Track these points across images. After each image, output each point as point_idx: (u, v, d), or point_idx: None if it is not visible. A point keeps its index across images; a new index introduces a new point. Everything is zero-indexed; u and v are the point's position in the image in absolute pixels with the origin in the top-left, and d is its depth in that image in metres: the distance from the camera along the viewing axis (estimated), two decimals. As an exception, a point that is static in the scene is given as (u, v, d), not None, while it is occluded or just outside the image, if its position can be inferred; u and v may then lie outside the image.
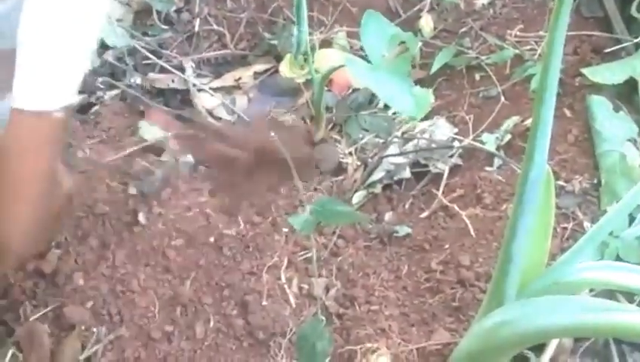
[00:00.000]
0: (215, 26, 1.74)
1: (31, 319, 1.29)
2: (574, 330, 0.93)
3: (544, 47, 1.57)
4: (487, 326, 1.04)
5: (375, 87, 1.21)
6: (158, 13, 1.76)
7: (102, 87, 1.61)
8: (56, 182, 0.97)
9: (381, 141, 1.58)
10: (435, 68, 1.61)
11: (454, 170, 1.51)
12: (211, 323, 1.28)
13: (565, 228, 1.30)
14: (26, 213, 0.92)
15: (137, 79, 1.65)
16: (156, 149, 1.51)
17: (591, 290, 1.20)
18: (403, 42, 1.32)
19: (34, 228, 0.94)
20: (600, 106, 1.38)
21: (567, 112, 1.48)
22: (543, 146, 0.90)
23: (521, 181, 0.93)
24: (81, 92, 0.90)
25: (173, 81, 1.65)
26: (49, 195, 0.95)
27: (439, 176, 1.51)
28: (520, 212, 0.95)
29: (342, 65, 1.56)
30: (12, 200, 0.90)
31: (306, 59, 1.60)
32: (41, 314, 1.29)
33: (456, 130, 1.56)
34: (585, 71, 1.44)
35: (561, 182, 1.36)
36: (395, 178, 1.53)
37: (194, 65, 1.67)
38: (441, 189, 1.47)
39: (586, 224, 1.28)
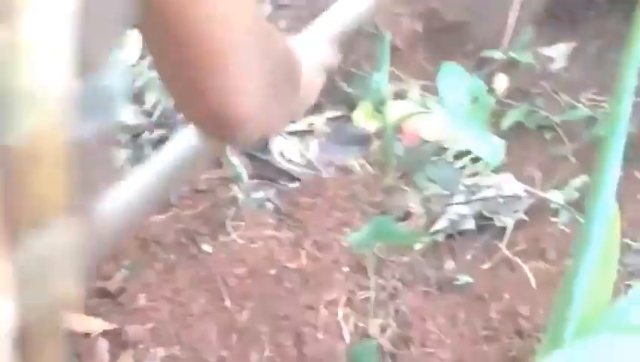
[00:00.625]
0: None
1: (93, 335, 1.32)
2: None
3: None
4: (542, 369, 1.03)
5: (453, 132, 1.23)
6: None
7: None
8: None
9: (447, 193, 1.59)
10: (506, 124, 1.63)
11: (519, 225, 1.51)
12: (265, 352, 1.29)
13: (629, 286, 1.28)
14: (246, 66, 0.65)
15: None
16: (231, 182, 1.55)
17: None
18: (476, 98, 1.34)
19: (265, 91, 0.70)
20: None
21: (638, 174, 1.47)
22: (609, 180, 0.90)
23: (587, 217, 0.93)
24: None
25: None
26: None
27: (503, 230, 1.50)
28: (584, 247, 0.94)
29: (413, 114, 1.59)
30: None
31: (379, 109, 1.64)
32: (103, 330, 1.33)
33: (524, 186, 1.56)
34: (658, 132, 1.43)
35: (627, 241, 1.35)
36: (459, 229, 1.53)
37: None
38: (505, 241, 1.47)
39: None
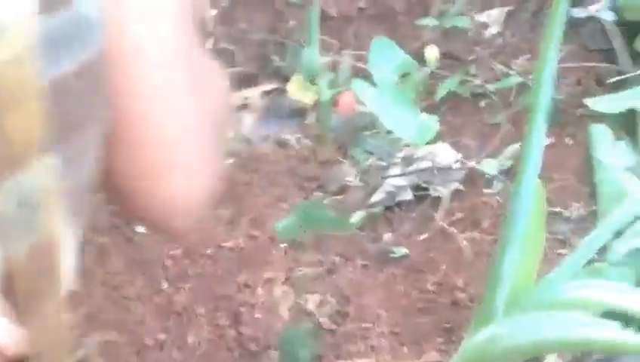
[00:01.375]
0: (226, 45, 1.76)
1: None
2: (558, 346, 0.93)
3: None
4: (475, 343, 1.04)
5: (380, 113, 1.22)
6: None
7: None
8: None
9: (384, 164, 1.59)
10: (439, 95, 1.63)
11: (455, 194, 1.52)
12: (204, 333, 1.29)
13: (560, 254, 1.31)
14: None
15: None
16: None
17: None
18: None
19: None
20: (601, 135, 1.38)
21: (568, 141, 1.49)
22: (534, 161, 0.91)
23: (512, 196, 0.94)
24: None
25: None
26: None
27: (440, 199, 1.52)
28: (510, 228, 0.95)
29: (348, 88, 1.58)
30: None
31: (313, 81, 1.63)
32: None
33: (459, 155, 1.57)
34: (587, 101, 1.45)
35: (558, 209, 1.37)
36: (396, 200, 1.54)
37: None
38: (440, 212, 1.48)
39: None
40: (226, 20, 1.81)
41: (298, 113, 1.69)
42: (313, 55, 1.52)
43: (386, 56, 1.26)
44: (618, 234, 1.06)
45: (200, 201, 0.56)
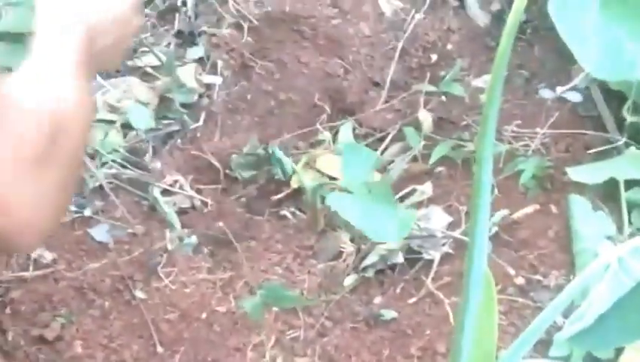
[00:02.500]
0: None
1: (31, 383, 1.38)
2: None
3: (536, 142, 1.63)
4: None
5: (357, 223, 1.23)
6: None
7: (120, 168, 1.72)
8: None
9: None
10: (432, 160, 1.68)
11: (445, 258, 1.57)
12: (195, 397, 1.35)
13: (538, 322, 1.34)
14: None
15: (157, 164, 1.74)
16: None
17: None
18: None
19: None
20: (579, 205, 1.43)
21: (553, 208, 1.53)
22: (481, 245, 0.96)
23: (465, 277, 0.99)
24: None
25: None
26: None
27: (431, 263, 1.57)
28: (465, 307, 1.00)
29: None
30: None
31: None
32: (41, 378, 1.38)
33: (450, 219, 1.62)
34: (568, 170, 1.50)
35: (538, 277, 1.41)
36: (389, 263, 1.59)
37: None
38: (430, 276, 1.53)
39: (559, 319, 1.32)
40: (232, 92, 1.89)
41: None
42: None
43: (358, 161, 1.31)
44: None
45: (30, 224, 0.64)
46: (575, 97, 1.42)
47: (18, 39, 1.32)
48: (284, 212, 1.65)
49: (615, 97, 1.64)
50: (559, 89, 1.40)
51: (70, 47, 0.75)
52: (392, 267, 1.59)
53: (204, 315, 1.45)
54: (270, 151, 1.67)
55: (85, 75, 0.75)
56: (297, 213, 1.62)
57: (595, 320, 0.86)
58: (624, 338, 0.92)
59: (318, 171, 1.70)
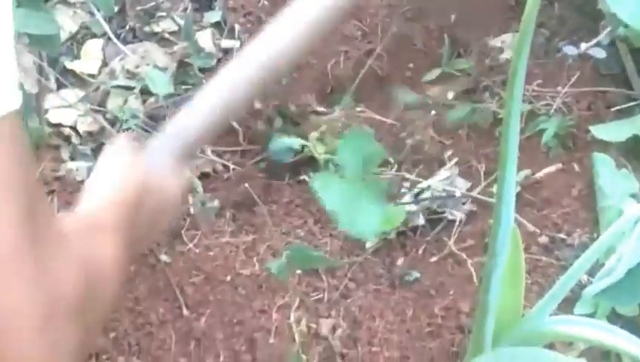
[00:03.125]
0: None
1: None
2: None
3: (558, 101, 1.62)
4: (467, 372, 1.10)
5: (335, 207, 1.20)
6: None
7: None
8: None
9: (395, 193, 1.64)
10: (455, 116, 1.67)
11: (469, 217, 1.57)
12: (221, 358, 1.37)
13: (563, 280, 1.34)
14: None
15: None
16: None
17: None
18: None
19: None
20: (603, 163, 1.42)
21: (576, 167, 1.52)
22: (509, 202, 0.96)
23: (491, 235, 0.99)
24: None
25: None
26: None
27: (453, 224, 1.57)
28: (492, 265, 1.01)
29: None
30: None
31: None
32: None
33: (471, 180, 1.62)
34: (592, 128, 1.49)
35: (562, 235, 1.41)
36: (410, 225, 1.59)
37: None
38: (453, 237, 1.53)
39: (584, 277, 1.32)
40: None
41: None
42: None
43: (356, 149, 1.29)
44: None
45: None
46: (599, 53, 1.41)
47: (37, 6, 1.32)
48: (304, 176, 1.65)
49: (638, 54, 1.62)
50: (583, 45, 1.39)
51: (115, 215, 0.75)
52: (414, 229, 1.59)
53: (228, 278, 1.46)
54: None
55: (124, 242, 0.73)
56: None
57: (625, 275, 0.86)
58: (654, 293, 0.92)
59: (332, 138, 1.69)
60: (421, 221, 1.59)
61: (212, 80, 0.84)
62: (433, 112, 1.72)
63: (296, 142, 1.61)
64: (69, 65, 1.83)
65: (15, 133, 0.54)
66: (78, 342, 0.60)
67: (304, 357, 1.34)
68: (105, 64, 1.86)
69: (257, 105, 1.68)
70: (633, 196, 1.40)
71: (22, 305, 0.55)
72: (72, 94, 1.76)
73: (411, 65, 1.79)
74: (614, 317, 1.29)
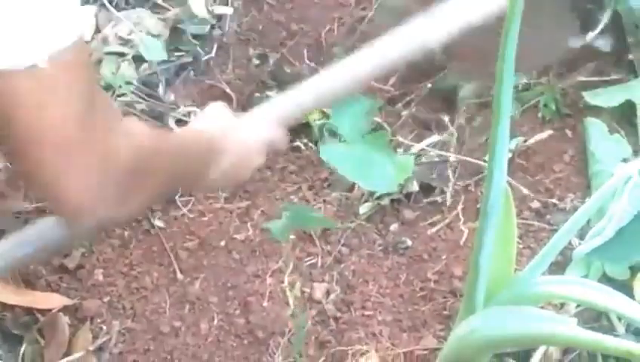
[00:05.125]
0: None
1: (53, 310, 1.40)
2: (521, 340, 0.99)
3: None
4: (459, 333, 1.11)
5: (351, 174, 1.20)
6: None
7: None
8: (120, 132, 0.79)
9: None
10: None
11: (461, 186, 1.57)
12: (215, 321, 1.38)
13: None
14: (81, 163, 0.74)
15: (171, 95, 1.74)
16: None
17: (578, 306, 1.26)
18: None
19: (100, 180, 0.76)
20: (595, 128, 1.43)
21: (569, 133, 1.53)
22: (501, 164, 0.96)
23: (484, 198, 1.00)
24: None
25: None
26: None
27: (447, 190, 1.57)
28: (484, 226, 1.01)
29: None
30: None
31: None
32: (63, 305, 1.41)
33: (466, 146, 1.62)
34: (585, 94, 1.49)
35: (554, 200, 1.42)
36: (404, 191, 1.60)
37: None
38: (447, 203, 1.54)
39: (574, 240, 1.33)
40: (243, 23, 1.87)
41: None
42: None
43: (352, 111, 1.28)
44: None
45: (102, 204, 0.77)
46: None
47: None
48: (298, 143, 1.65)
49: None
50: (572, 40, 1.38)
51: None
52: (408, 195, 1.60)
53: (222, 243, 1.46)
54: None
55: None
56: (310, 144, 1.61)
57: (616, 233, 0.87)
58: (644, 252, 0.93)
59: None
60: (415, 187, 1.59)
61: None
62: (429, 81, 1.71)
63: (290, 107, 1.60)
64: (62, 31, 1.82)
65: (81, 58, 0.74)
66: (115, 188, 0.76)
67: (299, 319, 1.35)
68: (98, 30, 1.85)
69: (252, 68, 1.68)
70: (625, 160, 1.40)
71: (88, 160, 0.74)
72: (64, 60, 1.76)
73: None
74: (605, 281, 1.30)
